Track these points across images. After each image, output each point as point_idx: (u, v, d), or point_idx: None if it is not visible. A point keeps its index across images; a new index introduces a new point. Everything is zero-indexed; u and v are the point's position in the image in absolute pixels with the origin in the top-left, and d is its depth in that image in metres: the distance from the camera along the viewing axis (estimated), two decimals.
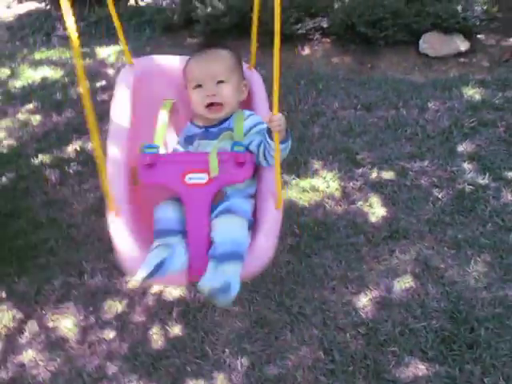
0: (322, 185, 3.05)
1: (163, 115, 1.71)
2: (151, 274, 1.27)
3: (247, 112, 1.64)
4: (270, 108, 1.38)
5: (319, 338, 2.23)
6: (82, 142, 3.74)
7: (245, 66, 1.80)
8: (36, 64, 5.05)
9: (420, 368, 2.09)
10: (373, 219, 2.79)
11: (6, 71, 4.99)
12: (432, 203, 2.87)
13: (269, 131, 1.41)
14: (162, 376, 2.16)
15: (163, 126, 1.69)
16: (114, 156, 1.52)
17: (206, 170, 1.43)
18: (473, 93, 3.83)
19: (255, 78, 1.80)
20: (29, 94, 4.52)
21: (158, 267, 1.27)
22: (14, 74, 4.93)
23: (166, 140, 1.75)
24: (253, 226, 1.45)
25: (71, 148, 3.71)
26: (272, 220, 1.43)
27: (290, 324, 2.29)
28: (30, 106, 4.33)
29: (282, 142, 1.41)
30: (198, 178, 1.42)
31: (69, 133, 3.88)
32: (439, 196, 2.91)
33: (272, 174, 1.44)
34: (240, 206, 1.45)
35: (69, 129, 3.93)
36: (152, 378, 2.16)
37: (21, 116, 4.21)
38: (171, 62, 1.86)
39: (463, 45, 4.54)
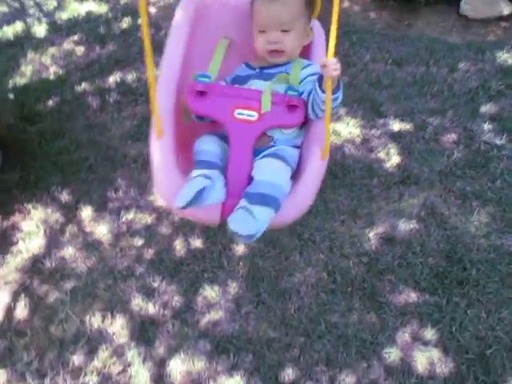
0: (344, 130, 3.22)
1: (220, 51, 1.66)
2: (190, 203, 1.22)
3: (307, 62, 1.59)
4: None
5: (324, 262, 2.48)
6: (122, 74, 3.95)
7: None
8: None
9: (411, 296, 2.33)
10: (387, 165, 2.97)
11: (53, 3, 5.16)
12: (446, 157, 3.02)
13: (320, 80, 1.36)
14: (182, 279, 2.46)
15: (218, 60, 1.64)
16: (166, 79, 1.49)
17: (258, 109, 1.39)
18: (506, 57, 3.86)
19: (316, 28, 1.71)
20: (74, 26, 4.70)
21: (198, 196, 1.22)
22: (60, 6, 5.12)
23: (219, 75, 1.67)
24: (295, 175, 1.42)
25: (112, 79, 3.93)
26: (316, 170, 1.40)
27: (300, 247, 2.55)
28: (75, 37, 4.53)
29: (333, 92, 1.33)
30: (247, 115, 1.38)
31: (110, 65, 4.08)
32: (454, 151, 3.05)
33: (320, 125, 1.42)
34: (287, 152, 1.41)
35: (110, 61, 4.13)
36: (173, 279, 2.46)
37: (66, 46, 4.41)
38: None
39: (507, 8, 4.48)
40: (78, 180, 3.05)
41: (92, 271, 2.55)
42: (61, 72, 4.08)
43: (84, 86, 3.85)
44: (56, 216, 2.84)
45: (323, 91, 1.32)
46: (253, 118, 1.38)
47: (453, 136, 3.17)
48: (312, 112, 1.43)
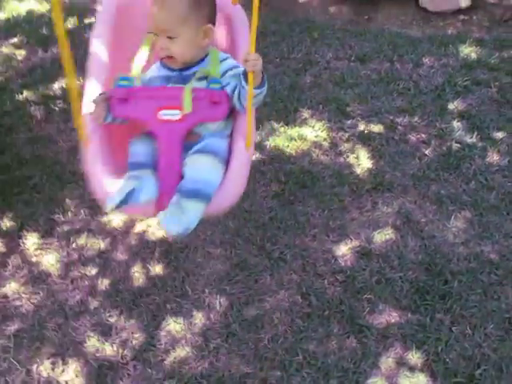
0: (310, 134, 3.03)
1: (144, 49, 1.61)
2: (120, 204, 1.31)
3: (224, 55, 1.59)
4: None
5: (297, 283, 2.28)
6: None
7: (228, 0, 1.72)
8: None
9: (393, 315, 2.16)
10: (358, 171, 2.80)
11: None
12: (418, 158, 2.88)
13: (245, 74, 1.38)
14: (142, 312, 2.21)
15: (142, 58, 1.61)
16: (92, 87, 1.54)
17: (180, 107, 1.41)
18: (469, 51, 3.77)
19: (238, 15, 1.71)
20: (14, 27, 4.36)
21: (129, 196, 1.31)
22: None
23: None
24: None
25: (57, 85, 3.63)
26: (240, 161, 1.43)
27: (270, 268, 2.34)
28: (15, 39, 4.19)
29: (257, 87, 1.39)
30: (171, 115, 1.41)
31: (55, 69, 3.77)
32: (426, 152, 2.92)
33: (244, 118, 1.44)
34: (215, 145, 1.45)
35: (55, 65, 3.82)
36: (132, 313, 2.21)
37: (5, 50, 4.07)
38: None
39: (464, 1, 4.42)
40: (20, 202, 2.74)
41: (39, 309, 2.26)
42: None
43: (26, 94, 3.54)
44: None
45: (248, 84, 1.35)
46: (176, 117, 1.41)
47: (423, 136, 3.04)
48: (239, 104, 1.47)
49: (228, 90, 1.48)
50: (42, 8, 4.61)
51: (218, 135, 1.50)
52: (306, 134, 3.04)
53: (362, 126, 3.09)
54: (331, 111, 3.19)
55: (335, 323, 2.13)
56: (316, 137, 3.03)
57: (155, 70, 1.62)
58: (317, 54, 3.74)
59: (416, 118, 3.15)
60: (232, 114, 1.53)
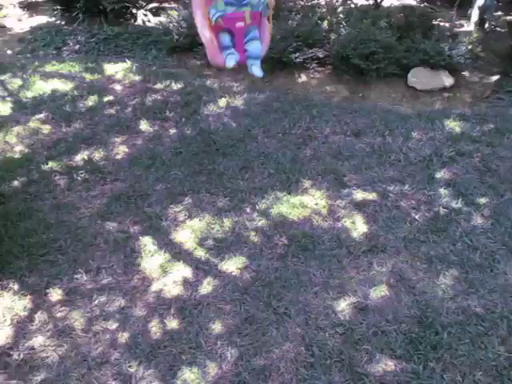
0: (310, 202, 3.35)
1: None
2: (236, 63, 2.79)
3: None
4: None
5: (301, 336, 2.50)
6: (89, 152, 4.00)
7: None
8: (47, 76, 5.32)
9: (389, 364, 2.36)
10: (355, 234, 3.08)
11: (18, 82, 5.24)
12: (409, 223, 3.17)
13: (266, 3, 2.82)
14: (159, 363, 2.41)
15: None
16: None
17: (244, 20, 2.78)
18: (454, 125, 4.18)
19: None
20: (39, 104, 4.77)
21: (235, 60, 2.79)
22: (25, 85, 5.19)
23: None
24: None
25: (79, 157, 3.97)
26: (267, 36, 2.96)
27: (276, 322, 2.56)
28: (41, 115, 4.58)
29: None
30: (241, 24, 2.78)
31: (77, 143, 4.13)
32: (416, 217, 3.22)
33: (265, 20, 2.94)
34: (256, 34, 2.84)
35: (77, 139, 4.18)
36: (151, 364, 2.41)
37: (32, 124, 4.45)
38: None
39: (448, 80, 4.92)
40: (46, 262, 3.00)
41: (64, 360, 2.46)
42: (26, 151, 4.09)
43: (51, 164, 3.87)
44: (24, 302, 2.76)
45: (268, 7, 2.83)
46: (243, 25, 2.79)
47: (413, 202, 3.35)
48: (264, 14, 2.89)
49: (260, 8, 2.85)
50: (66, 87, 5.07)
51: (256, 29, 2.85)
52: (307, 202, 3.35)
53: (357, 194, 3.41)
54: (329, 181, 3.53)
55: (336, 372, 2.33)
56: (316, 204, 3.34)
57: None
58: (316, 129, 4.14)
59: (406, 186, 3.48)
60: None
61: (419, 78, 4.91)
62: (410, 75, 4.92)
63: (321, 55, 5.18)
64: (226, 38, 2.84)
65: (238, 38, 2.85)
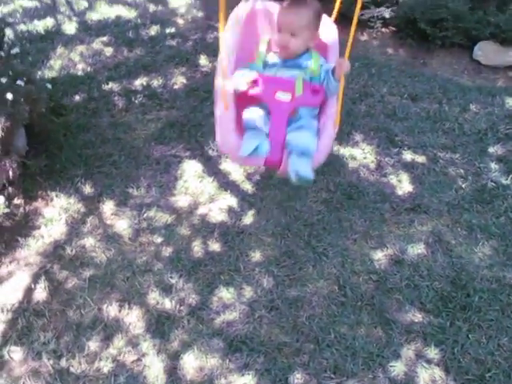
0: (360, 155, 3.37)
1: (263, 46, 2.10)
2: (250, 154, 1.79)
3: (322, 59, 2.06)
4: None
5: (336, 276, 2.60)
6: (148, 79, 4.09)
7: (327, 18, 2.20)
8: (112, 1, 5.37)
9: (417, 316, 2.45)
10: (399, 192, 3.12)
11: (84, 3, 5.30)
12: (455, 190, 3.18)
13: (332, 72, 1.91)
14: (199, 278, 2.56)
15: (262, 53, 2.09)
16: (228, 66, 1.94)
17: (292, 91, 1.89)
18: None
19: (333, 31, 2.21)
20: (104, 27, 4.84)
21: (255, 149, 1.80)
22: (90, 7, 5.27)
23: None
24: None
25: (138, 82, 4.05)
26: (329, 135, 1.98)
27: (314, 260, 2.67)
28: (104, 38, 4.66)
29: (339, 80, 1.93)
30: (284, 96, 1.89)
31: (137, 68, 4.21)
32: (463, 186, 3.22)
33: (332, 102, 1.99)
34: (311, 124, 1.95)
35: (138, 65, 4.26)
36: (191, 278, 2.56)
37: (95, 46, 4.54)
38: (273, 6, 2.25)
39: None
40: (101, 174, 3.15)
41: (111, 262, 2.63)
42: (88, 69, 4.20)
43: (111, 85, 3.98)
44: (78, 206, 2.93)
45: (335, 80, 1.90)
46: (288, 99, 1.88)
47: (461, 171, 3.33)
48: (329, 91, 1.96)
49: (321, 79, 1.97)
50: (130, 14, 5.12)
51: (310, 114, 1.96)
52: (356, 155, 3.38)
53: (407, 155, 3.41)
54: (381, 138, 3.53)
55: (366, 313, 2.43)
56: (365, 158, 3.37)
57: (272, 57, 2.08)
58: (373, 87, 4.11)
59: (457, 155, 3.46)
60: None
61: (486, 52, 4.74)
62: (476, 48, 4.75)
63: (387, 15, 5.03)
64: (255, 115, 1.86)
65: (277, 121, 1.87)
